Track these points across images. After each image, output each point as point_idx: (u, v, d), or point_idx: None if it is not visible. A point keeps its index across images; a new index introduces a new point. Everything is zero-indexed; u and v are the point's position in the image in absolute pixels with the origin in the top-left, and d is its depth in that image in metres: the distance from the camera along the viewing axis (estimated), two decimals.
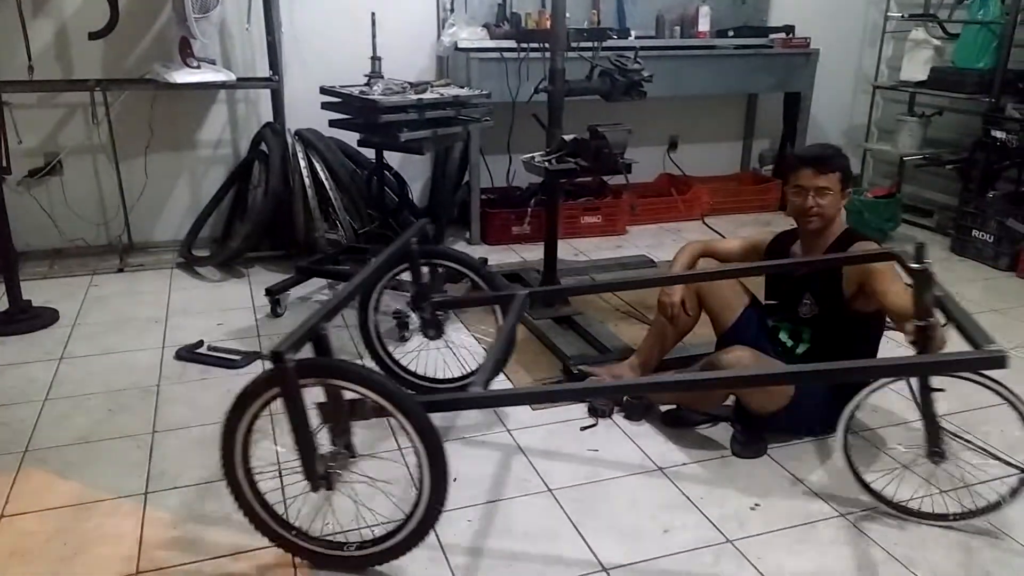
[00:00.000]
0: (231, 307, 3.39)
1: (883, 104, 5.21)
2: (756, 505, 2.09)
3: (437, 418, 1.72)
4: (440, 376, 2.63)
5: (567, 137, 2.96)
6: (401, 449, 2.27)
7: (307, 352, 1.73)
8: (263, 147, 3.89)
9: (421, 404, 1.68)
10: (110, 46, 3.77)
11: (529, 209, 4.26)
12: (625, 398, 2.50)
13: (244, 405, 1.71)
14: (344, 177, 3.89)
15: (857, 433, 2.37)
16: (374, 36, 3.30)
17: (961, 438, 2.31)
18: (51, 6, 3.67)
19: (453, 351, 2.86)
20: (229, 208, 4.10)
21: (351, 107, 3.16)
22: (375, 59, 3.31)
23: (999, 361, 1.59)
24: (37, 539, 1.93)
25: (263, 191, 3.78)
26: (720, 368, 2.20)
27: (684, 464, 2.28)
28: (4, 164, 3.19)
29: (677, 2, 4.61)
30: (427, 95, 3.12)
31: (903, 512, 2.04)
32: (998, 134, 4.05)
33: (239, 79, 3.84)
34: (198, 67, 3.63)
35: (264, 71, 3.91)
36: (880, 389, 1.94)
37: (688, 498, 2.12)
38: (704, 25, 4.57)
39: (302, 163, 3.82)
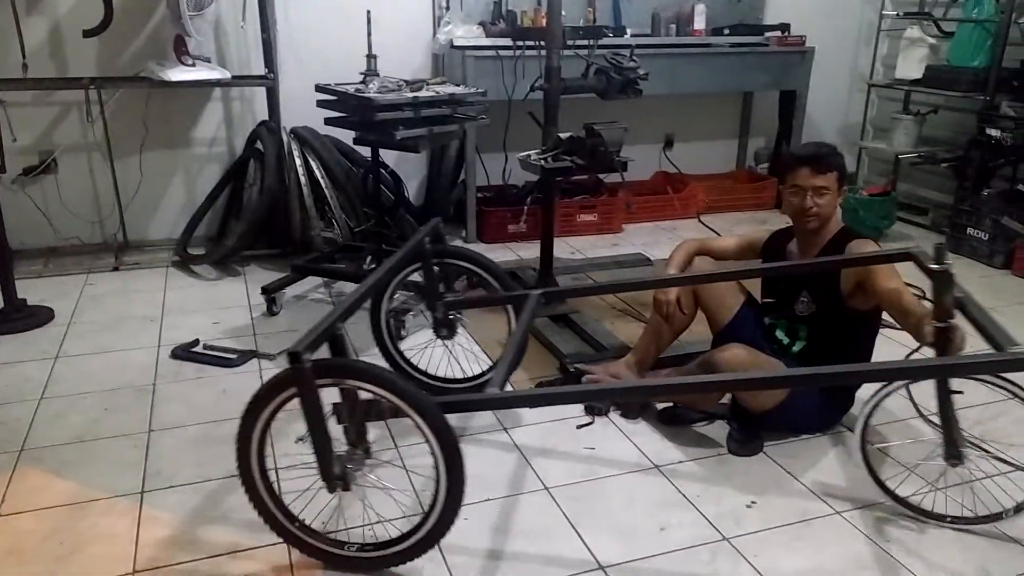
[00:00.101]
0: (227, 306, 3.38)
1: (878, 102, 5.22)
2: (752, 503, 2.10)
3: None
4: (440, 375, 2.62)
5: (563, 135, 2.96)
6: (400, 450, 2.27)
7: (323, 352, 1.70)
8: (258, 145, 3.87)
9: (438, 405, 1.67)
10: (104, 44, 3.76)
11: (525, 207, 4.27)
12: None
13: (261, 405, 1.70)
14: (340, 175, 3.89)
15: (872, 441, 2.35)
16: (369, 34, 3.28)
17: (981, 447, 2.18)
18: (45, 4, 3.66)
19: (449, 349, 2.85)
20: (224, 206, 4.10)
21: (347, 105, 3.15)
22: (371, 57, 3.30)
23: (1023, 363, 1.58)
24: (33, 538, 1.92)
25: (259, 189, 3.77)
26: (716, 366, 2.20)
27: (680, 462, 2.28)
28: None
29: (673, 0, 4.61)
30: (423, 93, 3.11)
31: (925, 516, 2.01)
32: (993, 132, 4.06)
33: (234, 77, 3.83)
34: (193, 65, 3.63)
35: (259, 69, 3.90)
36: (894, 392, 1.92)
37: (685, 496, 2.12)
38: (700, 23, 4.58)
39: (298, 161, 3.81)
